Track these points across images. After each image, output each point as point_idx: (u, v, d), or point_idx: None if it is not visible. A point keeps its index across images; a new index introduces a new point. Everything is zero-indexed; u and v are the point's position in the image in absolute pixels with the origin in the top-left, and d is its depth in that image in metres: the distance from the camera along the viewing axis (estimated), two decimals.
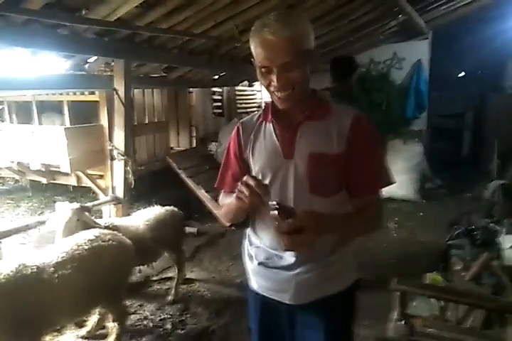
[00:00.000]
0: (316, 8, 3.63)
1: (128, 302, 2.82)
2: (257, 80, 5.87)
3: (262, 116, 1.21)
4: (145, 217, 2.86)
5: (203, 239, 4.05)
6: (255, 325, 1.30)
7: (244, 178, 1.04)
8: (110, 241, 2.17)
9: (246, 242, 1.30)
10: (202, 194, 4.36)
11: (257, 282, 1.26)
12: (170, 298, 2.93)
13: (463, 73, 7.55)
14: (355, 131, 1.09)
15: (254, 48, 1.06)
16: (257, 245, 1.24)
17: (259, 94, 7.78)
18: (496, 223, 3.09)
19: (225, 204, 1.24)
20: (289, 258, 1.16)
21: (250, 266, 1.27)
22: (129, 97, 3.38)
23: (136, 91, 4.42)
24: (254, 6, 3.14)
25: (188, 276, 3.23)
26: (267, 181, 1.14)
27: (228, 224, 1.27)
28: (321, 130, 1.11)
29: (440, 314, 2.18)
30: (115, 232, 2.33)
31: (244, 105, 7.12)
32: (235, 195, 1.07)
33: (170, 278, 3.21)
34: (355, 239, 1.20)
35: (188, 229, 3.86)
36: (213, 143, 5.65)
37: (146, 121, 4.71)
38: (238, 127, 1.24)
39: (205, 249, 3.86)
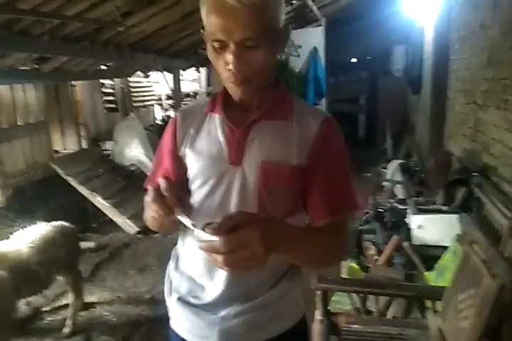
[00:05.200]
0: None
1: None
2: (151, 70, 5.40)
3: (209, 105, 0.93)
4: (28, 237, 2.37)
5: (104, 254, 3.56)
6: None
7: (159, 178, 0.80)
8: None
9: (171, 265, 1.02)
10: (98, 202, 3.86)
11: (176, 321, 0.99)
12: (67, 329, 2.49)
13: (355, 59, 7.91)
14: (321, 139, 0.87)
15: (206, 14, 0.79)
16: (181, 271, 0.97)
17: (157, 85, 7.28)
18: (400, 203, 3.19)
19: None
20: (214, 291, 0.89)
21: (168, 300, 1.00)
22: None
23: (1, 87, 3.70)
24: None
25: (87, 300, 2.78)
26: (203, 191, 0.88)
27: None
28: (280, 133, 0.88)
29: (361, 305, 2.12)
30: None
31: (140, 98, 6.60)
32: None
33: (65, 306, 2.72)
34: (308, 268, 0.93)
35: (84, 245, 3.35)
36: (108, 143, 5.08)
37: (19, 123, 3.99)
38: (176, 116, 0.97)
39: (106, 265, 3.38)
